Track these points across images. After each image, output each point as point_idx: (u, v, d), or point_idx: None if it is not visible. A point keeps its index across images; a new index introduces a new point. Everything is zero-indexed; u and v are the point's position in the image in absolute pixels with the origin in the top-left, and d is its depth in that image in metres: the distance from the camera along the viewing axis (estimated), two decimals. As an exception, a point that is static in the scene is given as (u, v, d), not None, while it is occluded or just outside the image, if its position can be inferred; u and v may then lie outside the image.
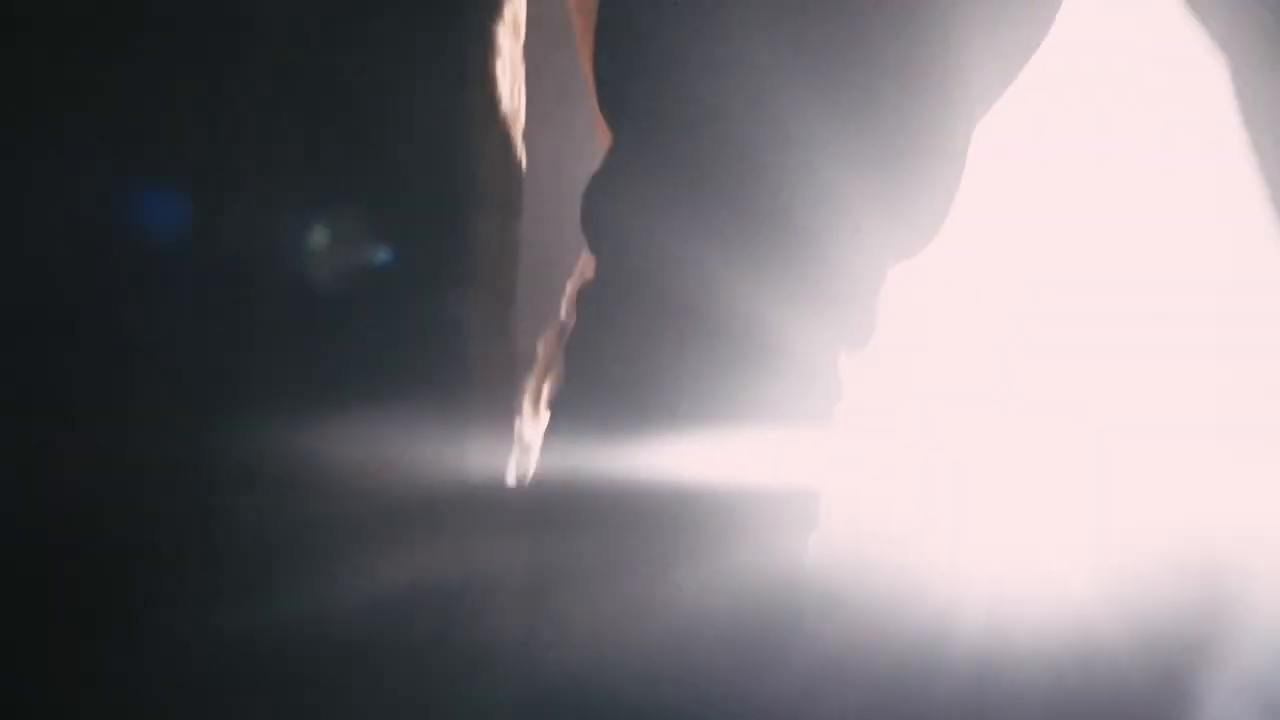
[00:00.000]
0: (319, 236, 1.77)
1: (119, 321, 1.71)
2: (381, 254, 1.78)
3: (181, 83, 1.70)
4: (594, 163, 1.74)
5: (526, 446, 1.89)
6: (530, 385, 1.90)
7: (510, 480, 1.85)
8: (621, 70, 1.69)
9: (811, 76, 1.61)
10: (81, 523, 1.69)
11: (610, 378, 1.65)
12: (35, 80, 1.68)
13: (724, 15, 1.61)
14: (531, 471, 1.88)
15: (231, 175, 1.73)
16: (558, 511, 1.65)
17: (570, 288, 1.91)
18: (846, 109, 1.61)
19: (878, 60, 1.62)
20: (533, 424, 1.89)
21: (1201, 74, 1.74)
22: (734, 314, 1.61)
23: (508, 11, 1.87)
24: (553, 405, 1.74)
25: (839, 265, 1.63)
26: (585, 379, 1.69)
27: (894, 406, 1.93)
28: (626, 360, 1.64)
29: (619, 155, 1.70)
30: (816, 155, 1.61)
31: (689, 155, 1.63)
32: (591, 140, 1.95)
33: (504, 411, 1.88)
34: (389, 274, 1.78)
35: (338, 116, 1.77)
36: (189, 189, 1.72)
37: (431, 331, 1.79)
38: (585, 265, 1.88)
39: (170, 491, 1.71)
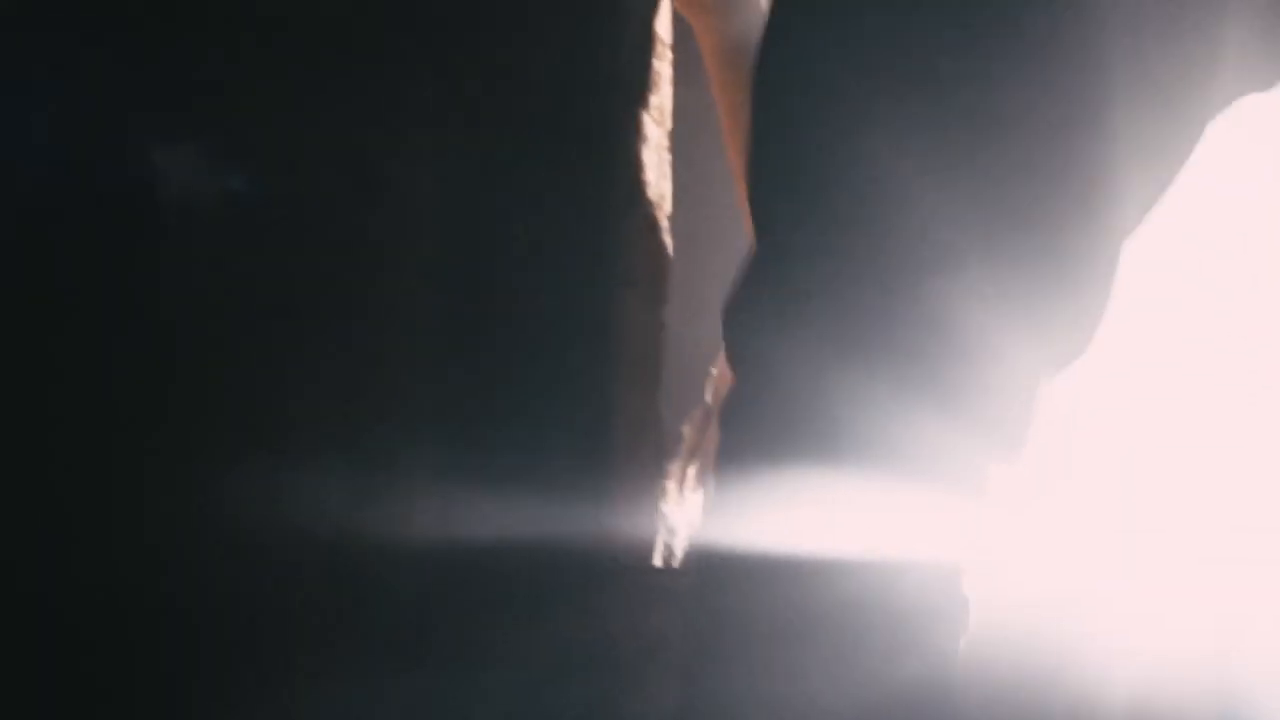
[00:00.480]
0: (466, 324, 1.79)
1: (278, 408, 1.74)
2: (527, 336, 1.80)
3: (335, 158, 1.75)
4: (738, 247, 1.75)
5: (672, 527, 1.90)
6: (676, 468, 1.91)
7: (657, 558, 1.86)
8: (774, 182, 1.69)
9: (963, 190, 1.62)
10: (233, 590, 1.71)
11: (757, 495, 1.65)
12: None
13: (881, 136, 1.62)
14: (678, 550, 1.89)
15: (373, 257, 1.77)
16: (713, 587, 1.66)
17: (715, 372, 1.93)
18: (996, 224, 1.62)
19: (1030, 176, 1.62)
20: (678, 505, 1.91)
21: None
22: (880, 431, 1.61)
23: (654, 99, 1.90)
24: (704, 511, 1.74)
25: (989, 380, 1.63)
26: (734, 494, 1.69)
27: (1050, 504, 1.93)
28: (773, 479, 1.64)
29: (761, 266, 1.70)
30: (965, 270, 1.61)
31: (836, 270, 1.63)
32: (736, 225, 1.97)
33: (652, 493, 1.89)
34: (539, 358, 1.81)
35: (485, 200, 1.80)
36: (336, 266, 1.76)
37: (581, 415, 1.81)
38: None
39: (324, 565, 1.73)
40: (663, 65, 1.93)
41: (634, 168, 1.87)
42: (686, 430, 1.94)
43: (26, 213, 1.73)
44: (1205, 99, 1.65)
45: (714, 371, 1.94)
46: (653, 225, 1.91)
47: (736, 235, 1.99)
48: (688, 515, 1.91)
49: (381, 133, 1.76)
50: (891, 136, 1.61)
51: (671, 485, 1.91)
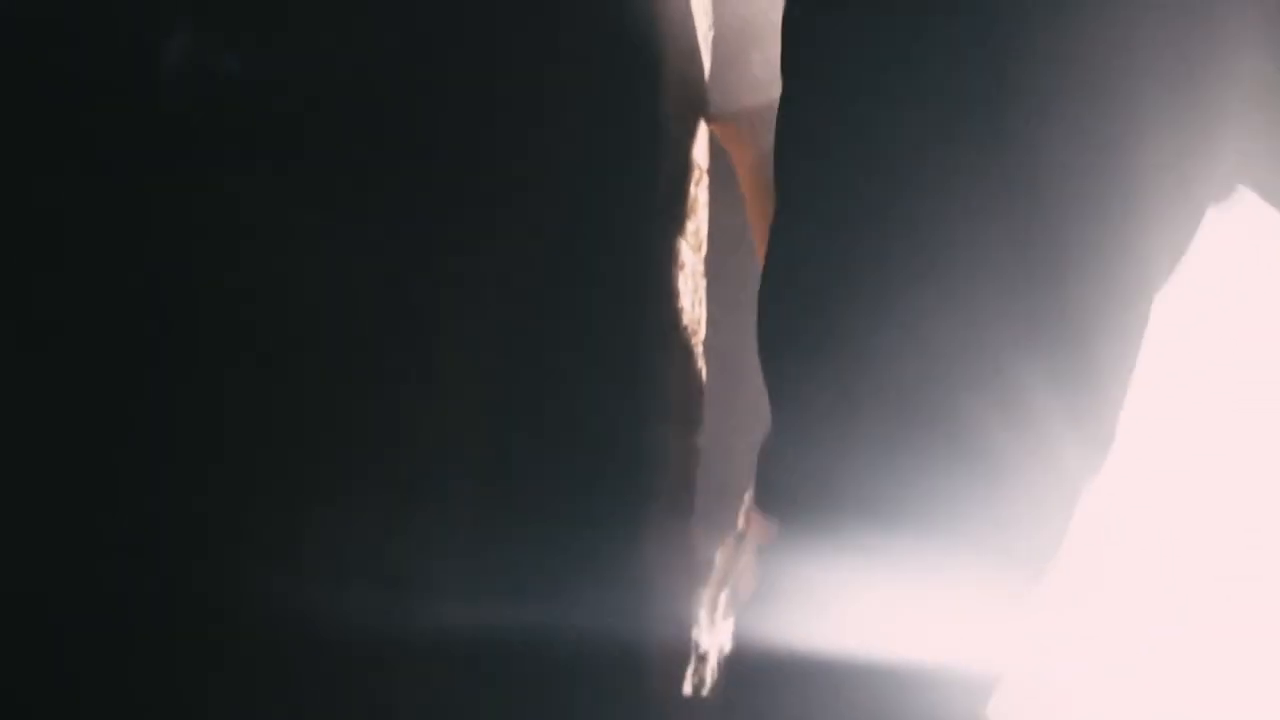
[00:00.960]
0: (498, 449, 1.79)
1: (309, 527, 1.74)
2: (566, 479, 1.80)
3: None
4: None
5: (703, 653, 1.90)
6: (708, 594, 1.91)
7: (688, 686, 1.86)
8: (787, 351, 1.69)
9: (985, 331, 1.61)
10: (265, 700, 1.71)
11: (788, 620, 1.66)
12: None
13: (899, 292, 1.61)
14: (708, 677, 1.89)
15: (408, 386, 1.77)
16: (740, 706, 1.67)
17: (748, 498, 1.92)
18: (1022, 351, 1.61)
19: (1053, 306, 1.61)
20: (710, 631, 1.91)
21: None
22: (924, 567, 1.61)
23: (691, 225, 1.90)
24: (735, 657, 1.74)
25: (1014, 505, 1.63)
26: (766, 621, 1.69)
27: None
28: (805, 607, 1.65)
29: (789, 419, 1.69)
30: (989, 410, 1.60)
31: (865, 418, 1.63)
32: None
33: (683, 620, 1.89)
34: (572, 485, 1.80)
35: (521, 326, 1.80)
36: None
37: (612, 541, 1.81)
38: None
39: (353, 678, 1.73)
40: (700, 191, 1.93)
41: (670, 295, 1.87)
42: (719, 557, 1.94)
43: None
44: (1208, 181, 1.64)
45: (747, 498, 1.93)
46: (687, 352, 1.91)
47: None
48: (718, 641, 1.90)
49: (420, 261, 1.76)
50: (901, 282, 1.61)
51: (703, 612, 1.91)
